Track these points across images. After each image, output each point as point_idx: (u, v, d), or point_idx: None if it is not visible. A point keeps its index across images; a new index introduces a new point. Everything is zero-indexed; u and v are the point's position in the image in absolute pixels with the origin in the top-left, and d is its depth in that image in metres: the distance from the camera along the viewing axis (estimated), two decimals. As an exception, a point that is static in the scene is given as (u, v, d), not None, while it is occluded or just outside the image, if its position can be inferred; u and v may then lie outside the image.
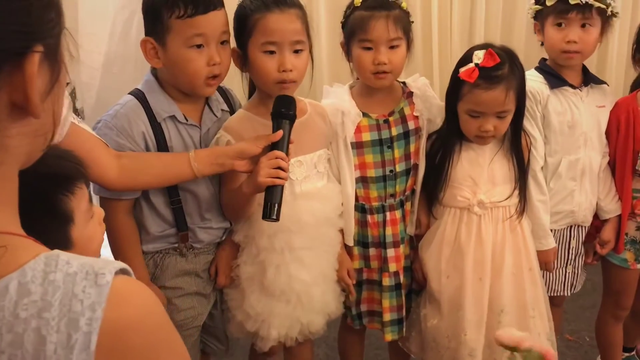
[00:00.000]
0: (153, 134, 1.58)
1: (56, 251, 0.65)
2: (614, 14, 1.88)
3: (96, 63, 2.68)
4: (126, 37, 2.62)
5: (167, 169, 1.56)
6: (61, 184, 1.04)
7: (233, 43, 1.65)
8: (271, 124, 1.57)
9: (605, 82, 2.04)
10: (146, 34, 1.57)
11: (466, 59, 1.76)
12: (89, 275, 0.63)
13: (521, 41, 2.86)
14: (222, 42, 1.58)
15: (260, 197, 1.55)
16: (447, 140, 1.85)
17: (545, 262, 1.95)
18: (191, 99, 1.64)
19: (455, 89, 1.77)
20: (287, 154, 1.52)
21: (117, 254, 1.65)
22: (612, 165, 2.03)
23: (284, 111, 1.53)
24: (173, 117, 1.61)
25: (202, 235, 1.70)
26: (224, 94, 1.76)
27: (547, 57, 2.03)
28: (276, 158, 1.49)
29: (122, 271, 0.66)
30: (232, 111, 1.75)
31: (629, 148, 1.97)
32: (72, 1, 2.55)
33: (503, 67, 1.71)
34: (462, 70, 1.73)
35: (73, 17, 2.61)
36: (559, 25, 1.87)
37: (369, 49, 1.73)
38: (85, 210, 1.09)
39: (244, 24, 1.59)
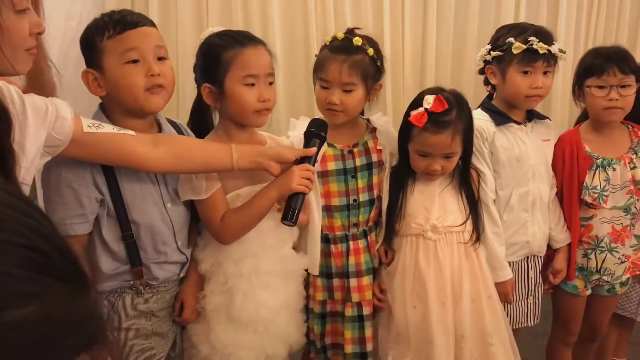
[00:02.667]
0: (101, 167, 1.56)
1: None
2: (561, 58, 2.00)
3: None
4: (79, 70, 2.60)
5: (209, 158, 1.61)
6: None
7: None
8: None
9: (547, 117, 2.15)
10: (87, 67, 1.58)
11: (417, 102, 1.83)
12: None
13: (471, 80, 2.95)
14: (160, 58, 1.59)
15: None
16: (401, 175, 1.92)
17: (503, 293, 1.99)
18: (143, 125, 1.62)
19: (406, 130, 1.85)
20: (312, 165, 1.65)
21: None
22: (560, 196, 2.12)
23: (315, 131, 1.66)
24: None
25: (157, 272, 1.66)
26: (178, 128, 1.76)
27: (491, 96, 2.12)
28: (307, 170, 1.62)
29: None
30: None
31: (574, 179, 2.07)
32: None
33: (451, 112, 1.79)
34: (412, 113, 1.80)
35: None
36: (525, 72, 1.95)
37: (326, 87, 1.81)
38: None
39: (217, 60, 1.64)
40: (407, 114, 1.84)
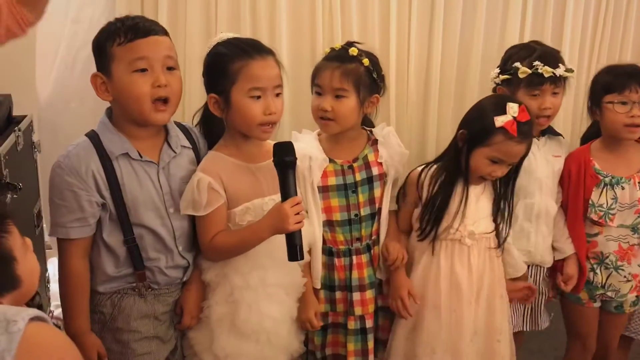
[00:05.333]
0: (104, 172, 1.59)
1: None
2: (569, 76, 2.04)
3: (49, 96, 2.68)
4: (88, 72, 2.62)
5: None
6: None
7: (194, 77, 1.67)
8: (246, 165, 1.71)
9: (560, 135, 2.19)
10: (97, 70, 1.60)
11: (499, 107, 1.81)
12: (0, 323, 0.63)
13: (473, 96, 2.93)
14: (169, 68, 1.60)
15: None
16: (453, 178, 1.90)
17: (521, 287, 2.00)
18: (148, 133, 1.65)
19: (484, 136, 1.81)
20: (296, 194, 1.60)
21: (64, 297, 1.63)
22: (565, 211, 2.14)
23: (286, 159, 1.59)
24: (126, 155, 1.61)
25: (159, 277, 1.68)
26: (187, 131, 1.77)
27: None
28: (297, 204, 1.57)
29: (38, 318, 0.66)
30: (195, 147, 1.76)
31: (579, 196, 2.10)
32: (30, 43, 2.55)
33: (531, 123, 1.83)
34: (500, 120, 1.78)
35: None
36: (534, 95, 2.00)
37: (319, 93, 1.84)
38: (21, 245, 1.08)
39: (223, 71, 1.63)
40: (486, 119, 1.80)
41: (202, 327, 1.73)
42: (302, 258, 1.59)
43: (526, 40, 3.06)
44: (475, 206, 1.92)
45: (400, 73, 3.02)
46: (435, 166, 1.95)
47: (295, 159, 1.60)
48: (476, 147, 1.84)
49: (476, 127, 1.85)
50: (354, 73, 1.82)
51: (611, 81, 2.05)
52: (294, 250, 1.57)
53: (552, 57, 2.02)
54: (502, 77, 2.05)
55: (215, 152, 1.73)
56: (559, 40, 3.16)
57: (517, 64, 2.00)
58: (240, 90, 1.63)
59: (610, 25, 3.22)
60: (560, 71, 1.98)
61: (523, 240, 2.08)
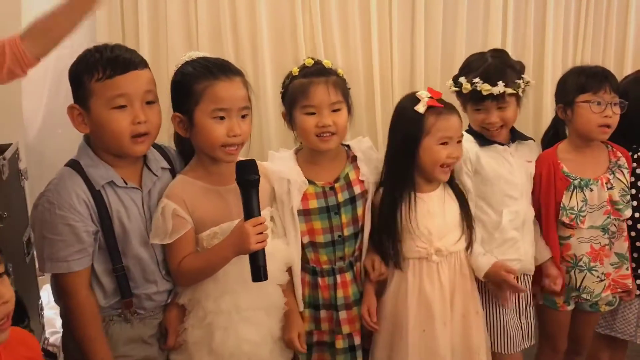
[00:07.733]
0: (93, 201, 1.56)
1: None
2: (524, 90, 2.01)
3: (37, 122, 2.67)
4: (72, 99, 2.62)
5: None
6: None
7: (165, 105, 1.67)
8: (214, 188, 1.68)
9: (531, 138, 2.16)
10: (74, 102, 1.58)
11: (412, 100, 1.85)
12: None
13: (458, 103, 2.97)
14: (148, 102, 1.58)
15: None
16: (398, 191, 1.87)
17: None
18: (127, 161, 1.63)
19: (418, 128, 1.82)
20: (259, 214, 1.56)
21: (79, 332, 1.59)
22: (537, 216, 2.12)
23: (249, 178, 1.56)
24: (111, 183, 1.59)
25: (146, 302, 1.66)
26: (162, 151, 1.75)
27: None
28: (260, 224, 1.54)
29: None
30: (172, 168, 1.74)
31: (550, 200, 2.09)
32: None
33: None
34: (422, 104, 1.82)
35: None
36: (478, 110, 1.99)
37: (312, 114, 1.78)
38: None
39: (188, 90, 1.61)
40: (410, 114, 1.82)
41: (183, 350, 1.71)
42: (265, 278, 1.55)
43: (508, 45, 3.09)
44: (443, 220, 1.88)
45: (385, 84, 3.04)
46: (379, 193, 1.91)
47: (259, 177, 1.57)
48: (419, 143, 1.82)
49: (406, 127, 1.85)
50: (339, 84, 1.81)
51: (585, 81, 2.05)
52: (258, 270, 1.54)
53: (497, 73, 1.96)
54: (452, 89, 2.05)
55: (183, 175, 1.70)
56: (541, 45, 3.18)
57: (462, 79, 1.99)
58: (203, 110, 1.60)
59: (592, 30, 3.24)
60: (498, 90, 1.92)
61: (512, 249, 2.03)
